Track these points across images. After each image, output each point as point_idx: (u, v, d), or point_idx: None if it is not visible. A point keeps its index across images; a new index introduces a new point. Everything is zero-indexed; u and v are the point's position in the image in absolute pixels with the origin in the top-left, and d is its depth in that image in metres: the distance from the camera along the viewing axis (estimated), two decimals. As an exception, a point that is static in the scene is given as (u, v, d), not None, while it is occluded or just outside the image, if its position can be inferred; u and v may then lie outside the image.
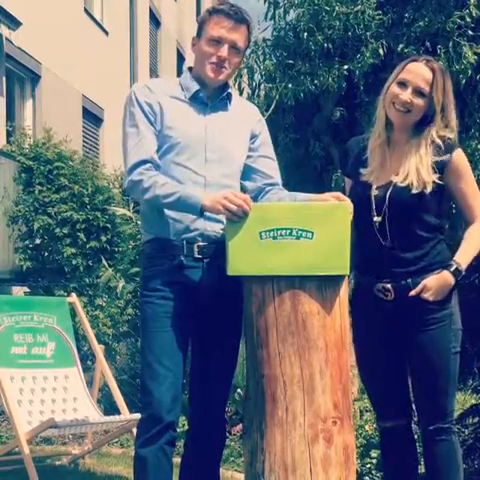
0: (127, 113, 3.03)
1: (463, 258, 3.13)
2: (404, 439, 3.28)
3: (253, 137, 3.15)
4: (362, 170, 3.20)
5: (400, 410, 3.27)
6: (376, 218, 3.13)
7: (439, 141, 3.13)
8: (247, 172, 3.15)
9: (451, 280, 3.10)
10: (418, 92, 3.09)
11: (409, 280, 3.10)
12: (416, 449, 3.33)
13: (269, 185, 3.16)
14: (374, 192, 3.15)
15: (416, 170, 3.09)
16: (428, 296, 3.08)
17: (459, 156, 3.15)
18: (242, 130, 3.12)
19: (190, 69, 3.14)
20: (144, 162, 2.95)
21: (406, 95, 3.08)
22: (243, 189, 3.16)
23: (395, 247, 3.12)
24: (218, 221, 2.96)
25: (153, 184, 2.90)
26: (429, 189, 3.08)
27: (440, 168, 3.11)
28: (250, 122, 3.16)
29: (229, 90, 3.11)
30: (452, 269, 3.10)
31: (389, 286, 3.13)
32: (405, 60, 3.20)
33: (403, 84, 3.10)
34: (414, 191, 3.08)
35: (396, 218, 3.11)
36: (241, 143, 3.11)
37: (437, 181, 3.10)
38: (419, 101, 3.09)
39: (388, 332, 3.19)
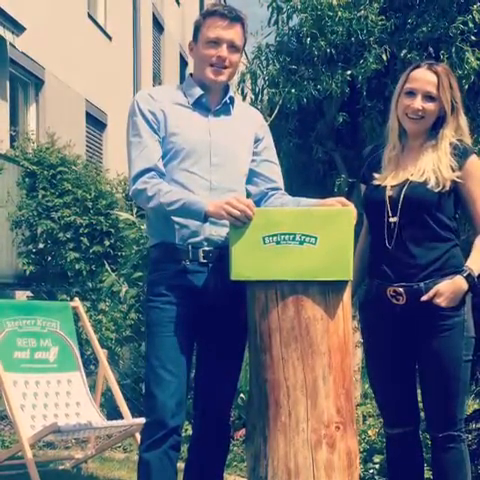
0: (130, 123, 3.04)
1: (475, 265, 3.09)
2: (411, 446, 3.26)
3: (257, 141, 3.16)
4: (376, 175, 3.20)
5: (408, 417, 3.25)
6: (392, 219, 3.11)
7: (456, 142, 3.14)
8: (250, 176, 3.16)
9: (464, 285, 3.05)
10: (427, 97, 3.13)
11: (422, 284, 3.07)
12: (422, 456, 3.31)
13: (272, 189, 3.17)
14: (389, 193, 3.14)
15: (435, 168, 3.09)
16: (440, 302, 3.04)
17: (474, 162, 3.14)
18: (246, 134, 3.13)
19: (191, 75, 3.15)
20: (148, 171, 2.97)
21: (417, 103, 3.13)
22: (248, 193, 3.16)
23: (409, 248, 3.08)
24: (224, 226, 2.96)
25: (157, 192, 2.92)
26: (448, 187, 3.08)
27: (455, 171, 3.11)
28: (254, 126, 3.17)
29: (231, 94, 3.12)
30: (465, 274, 3.06)
31: (401, 290, 3.09)
32: (407, 69, 3.24)
33: (412, 93, 3.14)
34: (430, 186, 3.07)
35: (411, 215, 3.08)
36: (245, 147, 3.12)
37: (457, 180, 3.08)
38: (430, 105, 3.13)
39: (399, 337, 3.16)
